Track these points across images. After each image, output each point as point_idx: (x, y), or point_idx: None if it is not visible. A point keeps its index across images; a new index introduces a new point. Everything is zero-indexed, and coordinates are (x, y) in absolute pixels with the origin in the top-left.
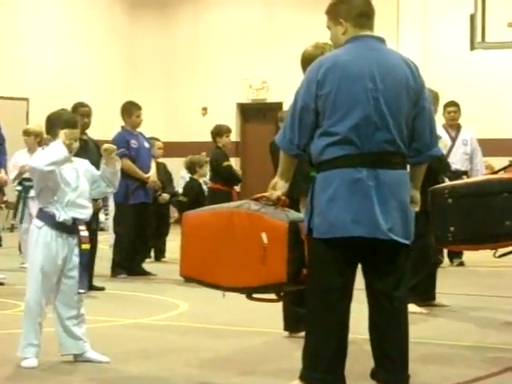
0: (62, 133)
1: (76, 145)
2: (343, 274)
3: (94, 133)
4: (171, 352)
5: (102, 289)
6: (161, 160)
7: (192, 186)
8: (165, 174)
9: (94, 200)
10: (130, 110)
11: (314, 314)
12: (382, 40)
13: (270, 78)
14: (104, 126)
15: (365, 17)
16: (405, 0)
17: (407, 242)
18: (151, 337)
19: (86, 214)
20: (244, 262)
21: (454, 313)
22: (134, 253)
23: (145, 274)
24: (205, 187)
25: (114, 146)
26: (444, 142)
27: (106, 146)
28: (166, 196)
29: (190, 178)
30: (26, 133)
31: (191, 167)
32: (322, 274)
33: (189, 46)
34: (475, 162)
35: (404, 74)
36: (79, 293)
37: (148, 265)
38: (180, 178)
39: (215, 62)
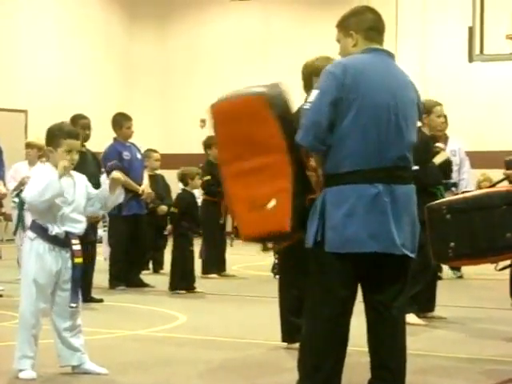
0: (62, 153)
1: (76, 157)
2: (348, 288)
3: (91, 144)
4: (169, 364)
5: (100, 301)
6: (159, 172)
7: (183, 197)
8: (163, 186)
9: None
10: (121, 122)
11: (314, 326)
12: (392, 56)
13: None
14: (102, 138)
15: (375, 31)
16: (403, 12)
17: (414, 255)
18: (149, 348)
19: (79, 228)
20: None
21: (452, 324)
22: (131, 264)
23: (143, 285)
24: (199, 199)
25: (122, 179)
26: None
27: (115, 175)
28: (164, 208)
29: (183, 189)
30: (29, 146)
31: (183, 179)
32: (327, 286)
33: (187, 57)
34: (462, 171)
35: (413, 92)
36: (71, 307)
37: (146, 276)
38: (179, 189)
39: (213, 74)
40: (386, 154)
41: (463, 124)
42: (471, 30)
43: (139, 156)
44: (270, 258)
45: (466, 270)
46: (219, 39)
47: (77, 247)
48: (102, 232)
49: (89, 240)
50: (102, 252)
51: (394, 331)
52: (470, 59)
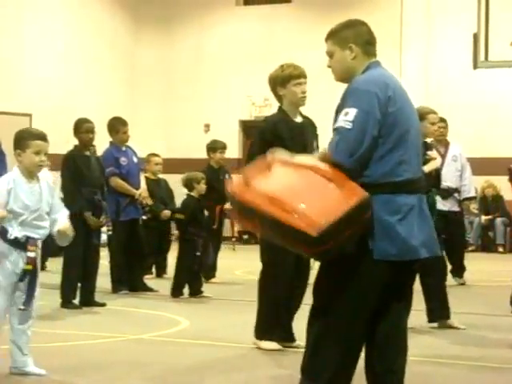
0: (30, 155)
1: (44, 158)
2: (381, 295)
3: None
4: (172, 368)
5: (103, 305)
6: (162, 176)
7: (189, 203)
8: (166, 191)
9: (97, 216)
10: (117, 127)
11: (347, 333)
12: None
13: (272, 96)
14: (106, 142)
15: (372, 45)
16: (408, 18)
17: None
18: (152, 353)
19: (41, 233)
20: None
21: (456, 331)
22: (131, 268)
23: (146, 289)
24: None
25: (70, 235)
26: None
27: (63, 229)
28: (167, 213)
29: (187, 194)
30: None
31: (188, 184)
32: (363, 293)
33: (191, 62)
34: (464, 177)
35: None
36: (19, 309)
37: (149, 281)
38: (183, 194)
39: (218, 79)
40: (418, 163)
41: (466, 130)
42: (476, 37)
43: (135, 159)
44: None
45: (469, 276)
46: (224, 43)
47: (31, 254)
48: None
49: (91, 244)
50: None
51: (404, 333)
52: (475, 66)
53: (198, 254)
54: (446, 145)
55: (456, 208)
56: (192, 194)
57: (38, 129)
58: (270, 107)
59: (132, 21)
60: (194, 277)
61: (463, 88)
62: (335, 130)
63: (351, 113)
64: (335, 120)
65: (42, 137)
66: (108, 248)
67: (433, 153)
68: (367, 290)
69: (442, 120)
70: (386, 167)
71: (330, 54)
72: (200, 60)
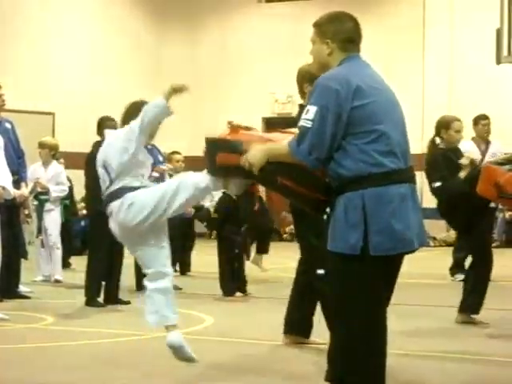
0: None
1: None
2: (388, 289)
3: None
4: (195, 366)
5: (127, 302)
6: None
7: (222, 201)
8: None
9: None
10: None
11: (365, 332)
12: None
13: (295, 93)
14: None
15: (352, 42)
16: (431, 14)
17: None
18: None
19: None
20: None
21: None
22: None
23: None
24: None
25: None
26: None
27: None
28: (190, 210)
29: (223, 192)
30: (41, 145)
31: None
32: (373, 289)
33: (215, 59)
34: None
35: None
36: None
37: (173, 279)
38: None
39: (241, 76)
40: (407, 153)
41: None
42: (499, 32)
43: (161, 158)
44: None
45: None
46: (248, 41)
47: None
48: None
49: (116, 242)
50: None
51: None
52: (498, 61)
53: (237, 251)
54: (487, 142)
55: (493, 204)
56: (226, 191)
57: None
58: (293, 104)
59: (155, 20)
60: (236, 275)
61: (487, 83)
62: (298, 127)
63: (311, 111)
64: (299, 113)
65: None
66: None
67: (463, 161)
68: (371, 286)
69: (486, 117)
70: (368, 159)
71: (313, 43)
72: (223, 58)
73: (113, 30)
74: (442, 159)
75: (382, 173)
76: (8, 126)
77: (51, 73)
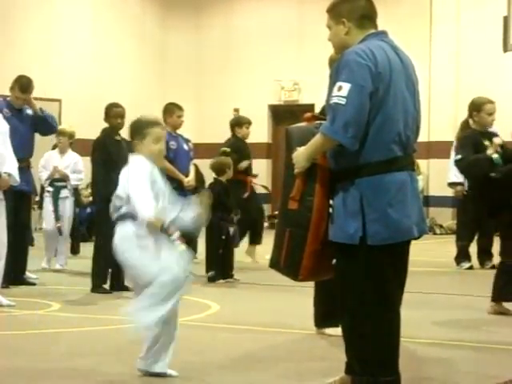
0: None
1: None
2: (399, 276)
3: (125, 133)
4: (202, 352)
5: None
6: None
7: (213, 188)
8: (197, 175)
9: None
10: (172, 110)
11: (378, 322)
12: (389, 36)
13: (301, 80)
14: None
15: (368, 18)
16: (438, 2)
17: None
18: (182, 337)
19: None
20: None
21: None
22: None
23: None
24: None
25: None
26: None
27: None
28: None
29: (215, 178)
30: (62, 133)
31: (220, 168)
32: (381, 279)
33: (221, 47)
34: None
35: (415, 75)
36: None
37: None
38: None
39: (247, 64)
40: (410, 141)
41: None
42: (506, 20)
43: (186, 147)
44: None
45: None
46: (253, 29)
47: None
48: None
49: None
50: None
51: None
52: (505, 49)
53: (224, 237)
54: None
55: None
56: (220, 178)
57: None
58: (299, 92)
59: (162, 9)
60: (222, 261)
61: (494, 71)
62: (330, 106)
63: (345, 87)
64: (329, 91)
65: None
66: None
67: (497, 139)
68: (373, 275)
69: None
70: (367, 148)
71: (329, 28)
72: (229, 45)
73: (117, 16)
74: (471, 139)
75: (379, 161)
76: (30, 112)
77: (57, 60)
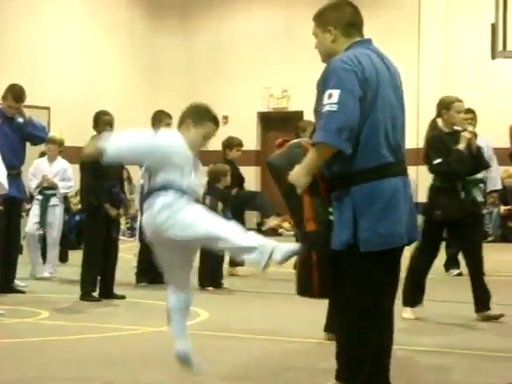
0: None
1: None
2: (392, 283)
3: None
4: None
5: (122, 297)
6: None
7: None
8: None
9: (116, 208)
10: (160, 118)
11: (372, 329)
12: (373, 44)
13: (290, 87)
14: None
15: (353, 26)
16: (426, 8)
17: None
18: (171, 345)
19: None
20: None
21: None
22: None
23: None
24: None
25: None
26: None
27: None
28: None
29: (209, 185)
30: (51, 141)
31: (216, 176)
32: (373, 286)
33: (210, 54)
34: (489, 169)
35: (400, 81)
36: None
37: None
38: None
39: (236, 71)
40: (401, 148)
41: (485, 120)
42: (494, 27)
43: None
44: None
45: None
46: (243, 35)
47: None
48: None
49: (111, 237)
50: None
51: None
52: (493, 56)
53: None
54: (475, 136)
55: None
56: (218, 186)
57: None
58: (288, 99)
59: (151, 14)
60: (214, 269)
61: (482, 79)
62: (322, 115)
63: (334, 94)
64: (318, 100)
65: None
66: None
67: (467, 134)
68: (367, 282)
69: (470, 111)
70: (358, 155)
71: (315, 36)
72: (219, 52)
73: (105, 23)
74: (440, 141)
75: (372, 168)
76: (21, 120)
77: (46, 68)
